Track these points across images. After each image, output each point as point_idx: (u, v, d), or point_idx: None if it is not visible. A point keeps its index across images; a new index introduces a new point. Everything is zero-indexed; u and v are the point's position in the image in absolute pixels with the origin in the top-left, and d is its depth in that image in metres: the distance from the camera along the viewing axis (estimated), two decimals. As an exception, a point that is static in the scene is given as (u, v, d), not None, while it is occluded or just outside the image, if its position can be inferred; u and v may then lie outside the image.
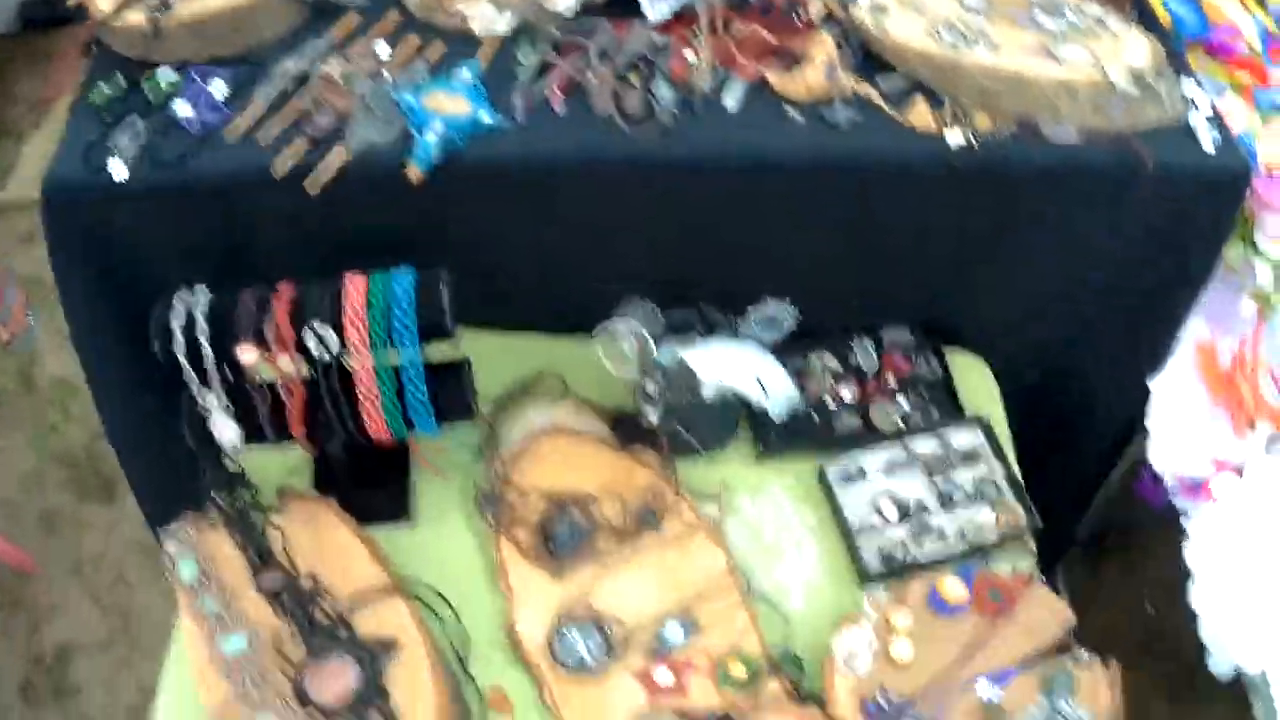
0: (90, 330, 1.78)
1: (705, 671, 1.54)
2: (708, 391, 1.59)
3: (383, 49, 1.70)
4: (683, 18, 1.72)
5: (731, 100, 1.62)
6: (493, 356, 1.75)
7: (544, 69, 1.66)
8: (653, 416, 1.61)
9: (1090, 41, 1.71)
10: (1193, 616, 1.73)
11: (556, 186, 1.61)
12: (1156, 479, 1.76)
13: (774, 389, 1.59)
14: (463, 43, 1.71)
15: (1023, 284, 1.74)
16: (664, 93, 1.60)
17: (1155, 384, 1.78)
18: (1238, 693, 1.76)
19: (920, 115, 1.61)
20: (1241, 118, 1.82)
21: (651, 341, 1.61)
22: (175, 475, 1.75)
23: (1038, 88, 1.62)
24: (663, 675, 1.54)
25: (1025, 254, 1.70)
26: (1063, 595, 2.10)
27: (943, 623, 1.56)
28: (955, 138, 1.59)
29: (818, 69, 1.62)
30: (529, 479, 1.67)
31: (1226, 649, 1.68)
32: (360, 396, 1.58)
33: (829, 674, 1.52)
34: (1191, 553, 1.73)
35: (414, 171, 1.54)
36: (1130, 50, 1.71)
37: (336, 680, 1.54)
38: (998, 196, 1.63)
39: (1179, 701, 1.97)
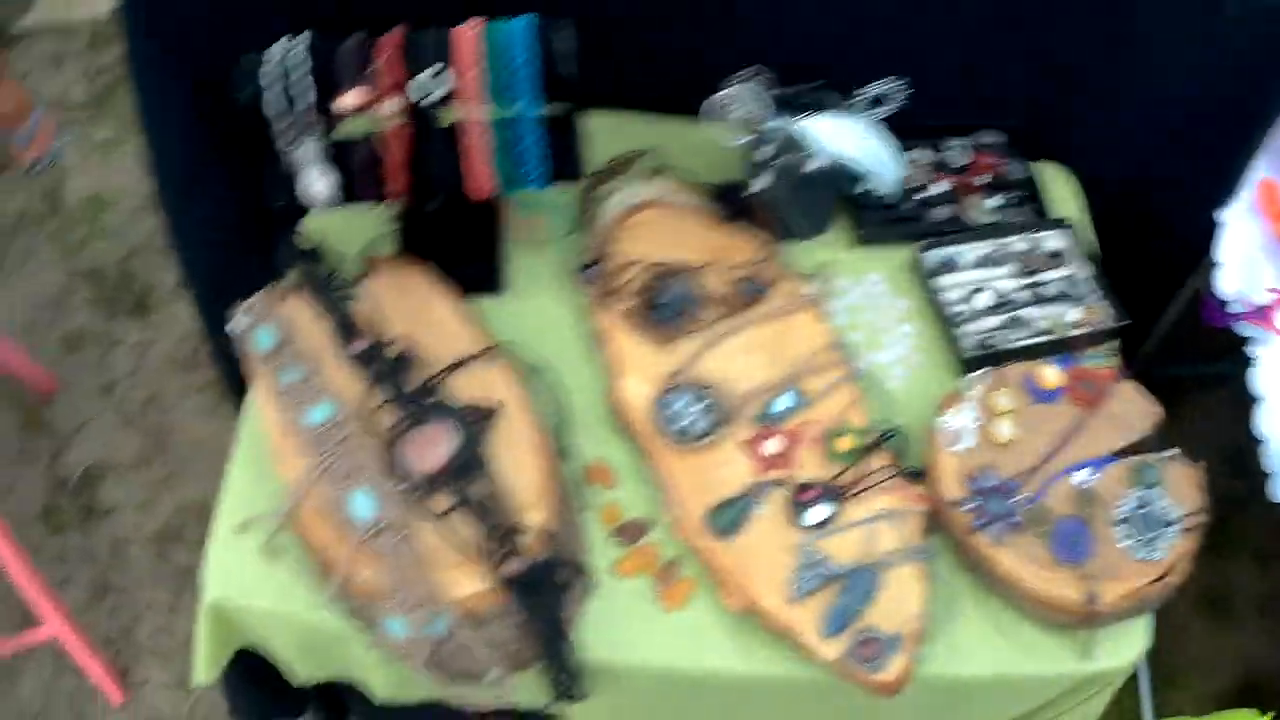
0: (162, 104, 1.66)
1: (813, 443, 1.53)
2: (819, 162, 1.57)
3: None
4: None
5: None
6: (592, 133, 1.65)
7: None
8: (761, 184, 1.58)
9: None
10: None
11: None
12: (1222, 305, 1.82)
13: (884, 162, 1.58)
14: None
15: (1111, 96, 1.76)
16: None
17: (1224, 216, 1.83)
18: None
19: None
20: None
21: (766, 107, 1.57)
22: (238, 279, 1.63)
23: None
24: (771, 445, 1.53)
25: (1128, 62, 1.71)
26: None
27: (1039, 409, 1.58)
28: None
29: None
30: (630, 249, 1.62)
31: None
32: (467, 148, 1.50)
33: (934, 451, 1.53)
34: (1259, 378, 1.80)
35: None
36: None
37: (432, 448, 1.46)
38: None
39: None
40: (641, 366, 1.56)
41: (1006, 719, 1.69)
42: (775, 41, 1.63)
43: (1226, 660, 2.28)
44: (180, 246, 1.84)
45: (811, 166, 1.58)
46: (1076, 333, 1.67)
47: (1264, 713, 1.73)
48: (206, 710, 2.38)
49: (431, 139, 1.50)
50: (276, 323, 1.56)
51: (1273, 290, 1.81)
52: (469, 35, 1.47)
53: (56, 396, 2.82)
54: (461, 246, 1.66)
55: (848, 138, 1.56)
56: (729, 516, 1.48)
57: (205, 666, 1.57)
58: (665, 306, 1.57)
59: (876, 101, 1.60)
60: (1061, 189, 1.84)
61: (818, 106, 1.62)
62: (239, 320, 1.58)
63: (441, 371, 1.52)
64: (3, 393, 2.82)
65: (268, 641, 1.58)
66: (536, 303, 1.64)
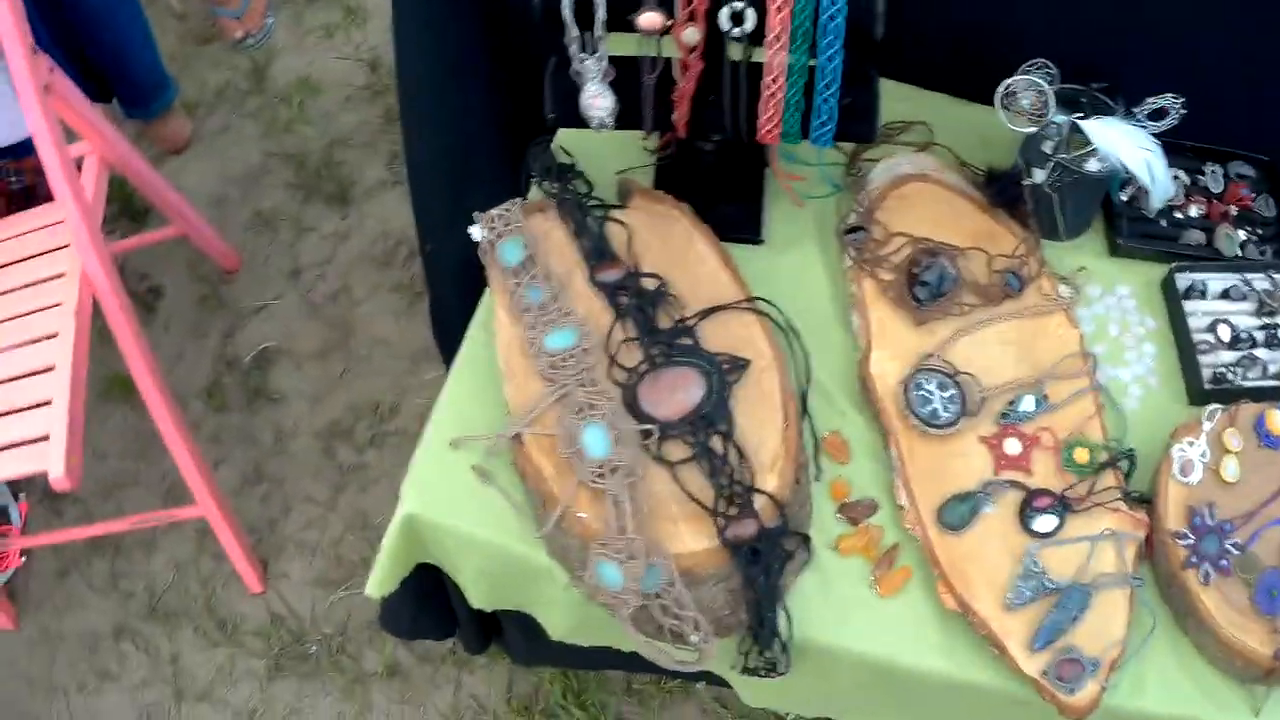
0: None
1: (1050, 450, 1.51)
2: (1093, 164, 1.53)
3: None
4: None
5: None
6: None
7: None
8: (1040, 176, 1.54)
9: None
10: None
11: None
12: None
13: (1158, 175, 1.54)
14: None
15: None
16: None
17: None
18: None
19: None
20: None
21: (1053, 100, 1.52)
22: (476, 185, 1.55)
23: None
24: (1011, 445, 1.50)
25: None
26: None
27: (1265, 454, 1.57)
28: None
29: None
30: (894, 220, 1.58)
31: None
32: (763, 89, 1.43)
33: (1163, 478, 1.52)
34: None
35: None
36: None
37: (677, 393, 1.42)
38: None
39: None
40: (894, 342, 1.52)
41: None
42: (1061, 39, 1.58)
43: None
44: (412, 147, 1.74)
45: (1089, 167, 1.54)
46: (1304, 382, 1.67)
47: None
48: (345, 612, 2.33)
49: (727, 75, 1.43)
50: (526, 237, 1.49)
51: None
52: None
53: (239, 275, 2.72)
54: (724, 190, 1.59)
55: (1127, 145, 1.52)
56: (960, 511, 1.46)
57: (383, 579, 1.53)
58: (926, 285, 1.53)
59: (1157, 114, 1.55)
60: None
61: (1097, 108, 1.58)
62: (483, 230, 1.50)
63: (697, 314, 1.48)
64: (186, 262, 2.72)
65: (456, 564, 1.53)
66: (793, 259, 1.59)
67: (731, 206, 1.60)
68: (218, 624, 2.33)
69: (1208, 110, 1.69)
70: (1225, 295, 1.68)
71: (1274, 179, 1.77)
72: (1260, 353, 1.66)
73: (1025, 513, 1.47)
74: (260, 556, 2.38)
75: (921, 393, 1.49)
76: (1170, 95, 1.55)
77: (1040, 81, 1.53)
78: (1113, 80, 1.61)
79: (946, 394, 1.50)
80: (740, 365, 1.45)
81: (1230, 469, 1.55)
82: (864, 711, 1.60)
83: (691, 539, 1.36)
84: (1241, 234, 1.73)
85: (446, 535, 1.48)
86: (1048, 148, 1.54)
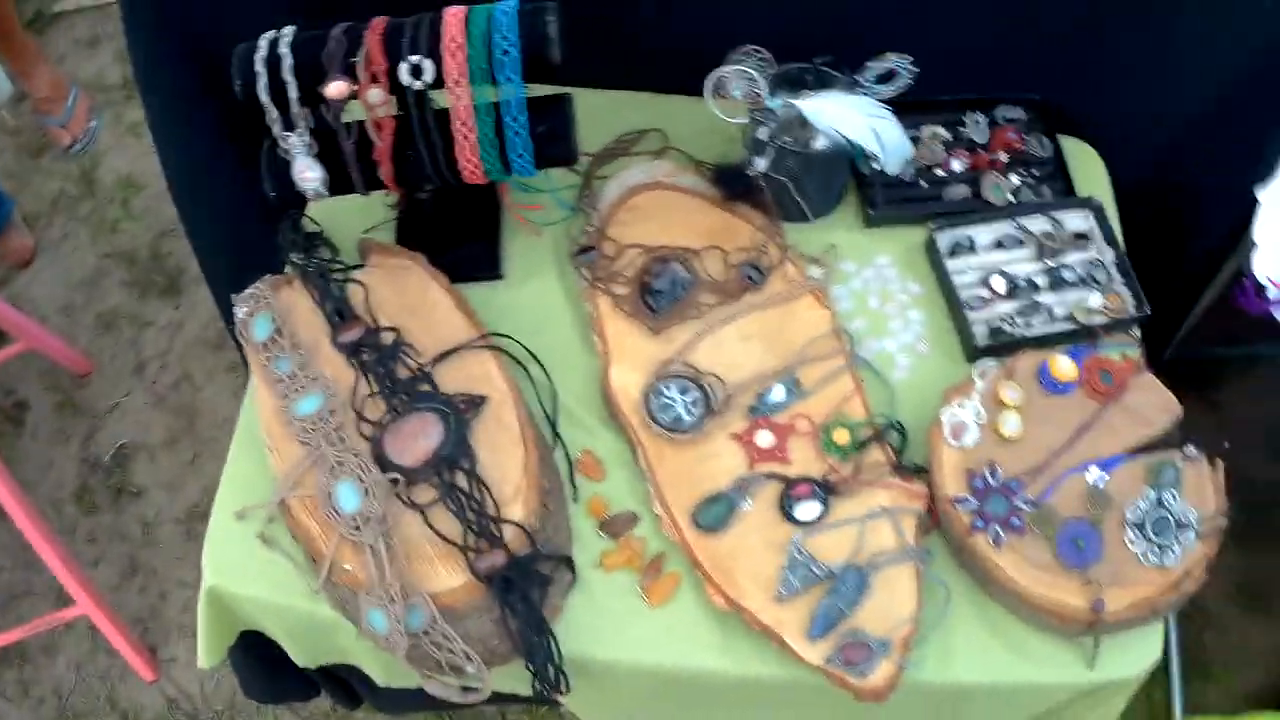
0: (167, 104, 1.67)
1: (807, 436, 1.49)
2: (820, 142, 1.51)
3: None
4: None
5: None
6: (593, 113, 1.62)
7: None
8: (761, 165, 1.52)
9: None
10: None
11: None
12: (1259, 289, 1.71)
13: (888, 141, 1.51)
14: None
15: (1145, 67, 1.65)
16: None
17: (1264, 193, 1.71)
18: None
19: None
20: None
21: (764, 86, 1.51)
22: (252, 262, 1.63)
23: None
24: (764, 438, 1.49)
25: (1154, 31, 1.61)
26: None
27: (1052, 402, 1.51)
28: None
29: None
30: (627, 232, 1.58)
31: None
32: (455, 133, 1.47)
33: (935, 445, 1.47)
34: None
35: None
36: None
37: (419, 439, 1.45)
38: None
39: (1240, 539, 1.95)
40: (633, 354, 1.52)
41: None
42: (779, 16, 1.56)
43: (1264, 655, 2.18)
44: (193, 234, 1.85)
45: (812, 147, 1.52)
46: (1097, 320, 1.59)
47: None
48: (233, 686, 2.42)
49: (418, 126, 1.47)
50: (273, 311, 1.56)
51: (1325, 275, 1.71)
52: (453, 20, 1.43)
53: (91, 378, 2.89)
54: (459, 232, 1.63)
55: (848, 117, 1.49)
56: (715, 512, 1.45)
57: (208, 649, 1.59)
58: (660, 293, 1.53)
59: (884, 78, 1.52)
60: (1086, 167, 1.74)
61: (823, 84, 1.55)
62: (240, 307, 1.58)
63: (430, 361, 1.51)
64: (40, 373, 2.90)
65: (266, 627, 1.59)
66: (534, 288, 1.61)
67: (467, 247, 1.63)
68: (121, 718, 2.46)
69: (969, 59, 1.66)
70: (999, 246, 1.63)
71: (1047, 116, 1.71)
72: (1045, 297, 1.60)
73: (785, 503, 1.46)
74: (149, 644, 2.50)
75: (663, 400, 1.49)
76: (895, 55, 1.52)
77: (749, 70, 1.52)
78: (855, 50, 1.58)
79: (689, 398, 1.49)
80: (477, 403, 1.47)
81: (1010, 424, 1.50)
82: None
83: (447, 576, 1.39)
84: (1015, 179, 1.67)
85: (246, 602, 1.54)
86: (764, 134, 1.52)
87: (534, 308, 1.59)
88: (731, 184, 1.57)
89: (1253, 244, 1.73)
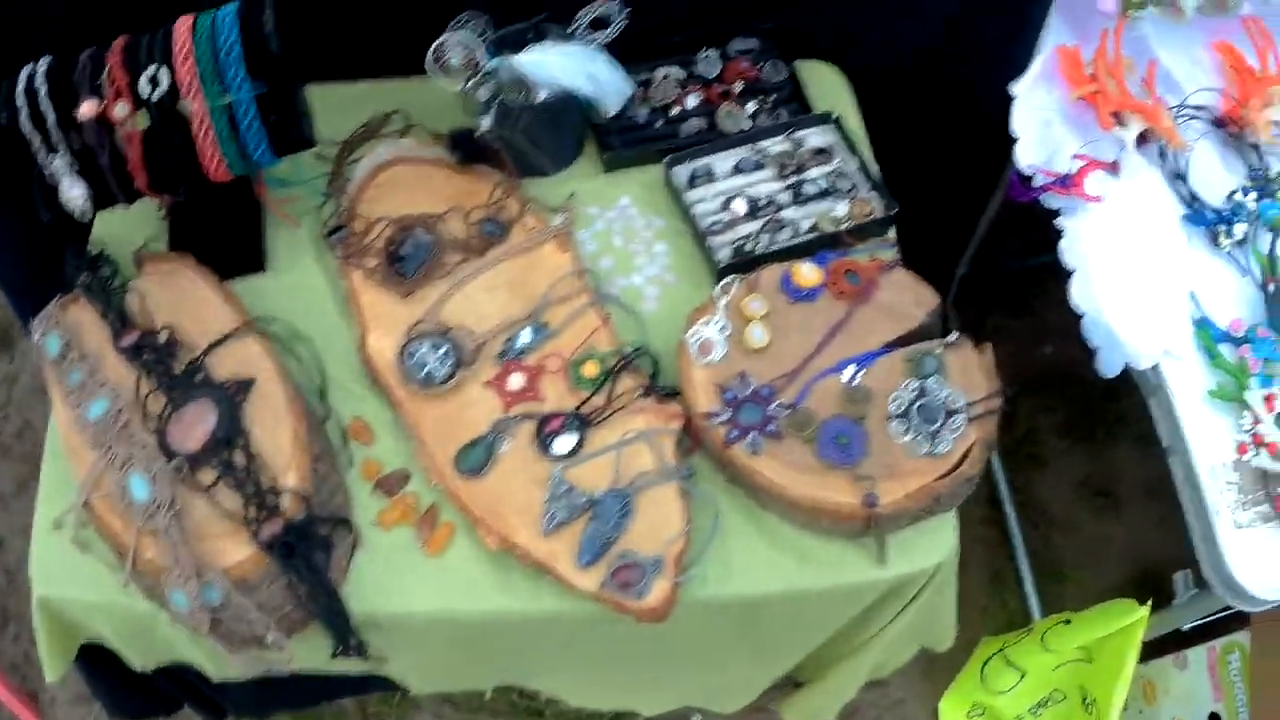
0: None
1: (558, 373, 1.52)
2: (541, 94, 1.56)
3: None
4: None
5: None
6: (343, 106, 1.72)
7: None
8: (486, 124, 1.58)
9: None
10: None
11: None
12: (1025, 179, 1.72)
13: (605, 81, 1.55)
14: None
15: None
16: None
17: (1018, 88, 1.72)
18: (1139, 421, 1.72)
19: None
20: None
21: (481, 49, 1.57)
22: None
23: None
24: (515, 380, 1.52)
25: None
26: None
27: (799, 309, 1.53)
28: None
29: None
30: (374, 208, 1.64)
31: (1114, 344, 1.64)
32: (195, 137, 1.53)
33: (684, 365, 1.50)
34: (1069, 250, 1.69)
35: None
36: None
37: (197, 425, 1.50)
38: None
39: (1077, 438, 1.93)
40: (387, 320, 1.57)
41: (826, 633, 1.65)
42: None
43: (1114, 549, 2.16)
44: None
45: (532, 100, 1.57)
46: (845, 227, 1.61)
47: (1144, 602, 1.63)
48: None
49: (163, 133, 1.54)
50: (61, 328, 1.64)
51: (1078, 157, 1.71)
52: (182, 28, 1.52)
53: None
54: (223, 230, 1.70)
55: (562, 65, 1.54)
56: (476, 456, 1.48)
57: (50, 663, 1.64)
58: (407, 259, 1.58)
59: (597, 25, 1.57)
60: (828, 86, 1.77)
61: (543, 35, 1.61)
62: (34, 332, 1.66)
63: (202, 352, 1.57)
64: None
65: (99, 632, 1.63)
66: (296, 275, 1.67)
67: (231, 244, 1.69)
68: (19, 766, 2.52)
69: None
70: (739, 171, 1.66)
71: (781, 42, 1.74)
72: (789, 213, 1.63)
73: (542, 439, 1.49)
74: (29, 690, 2.53)
75: (416, 359, 1.53)
76: (603, 1, 1.58)
77: (463, 38, 1.58)
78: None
79: (440, 352, 1.53)
80: (246, 385, 1.53)
81: (757, 334, 1.52)
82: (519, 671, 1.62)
83: (235, 550, 1.43)
84: (752, 105, 1.71)
85: (75, 607, 1.58)
86: (484, 94, 1.58)
87: (299, 292, 1.64)
88: (466, 148, 1.62)
89: (1014, 137, 1.75)
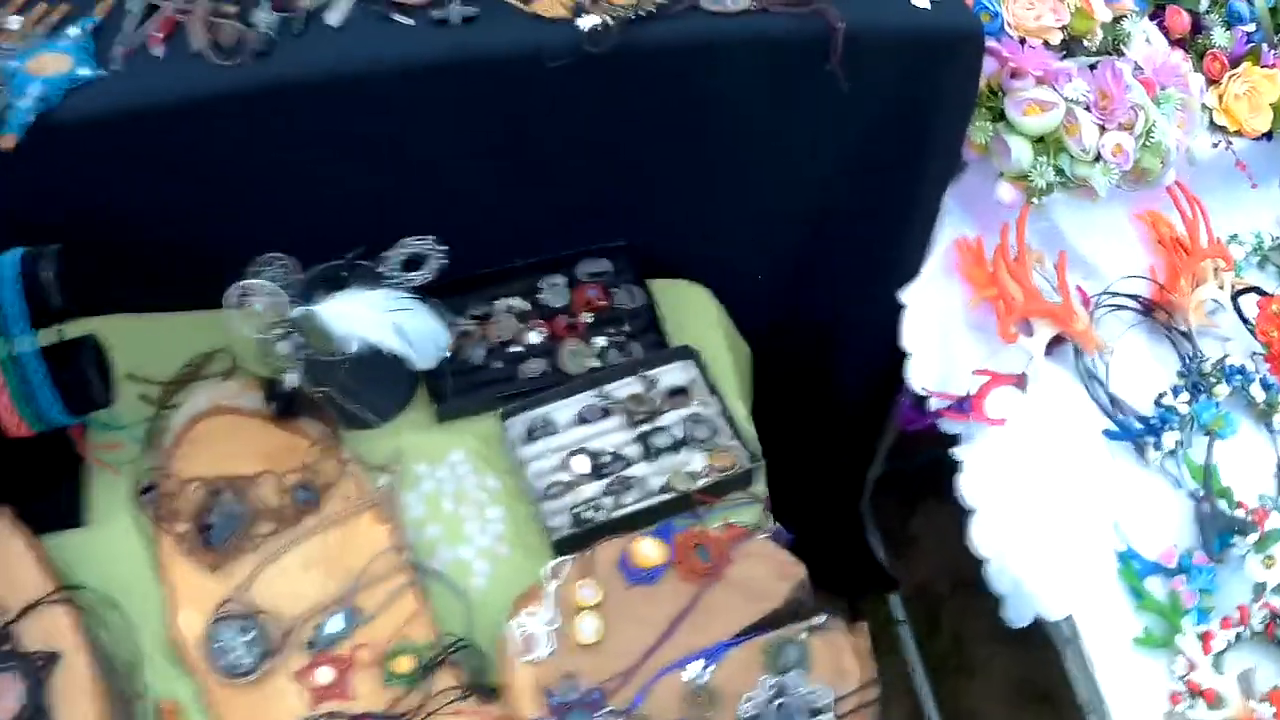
0: None
1: (370, 666, 1.38)
2: (348, 346, 1.40)
3: (13, 21, 1.49)
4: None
5: (336, 15, 1.40)
6: (159, 340, 1.58)
7: (149, 13, 1.44)
8: (292, 379, 1.43)
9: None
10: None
11: (158, 134, 1.40)
12: (918, 401, 1.52)
13: (416, 333, 1.40)
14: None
15: (722, 188, 1.50)
16: (262, 17, 1.39)
17: (908, 295, 1.53)
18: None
19: (548, 3, 1.36)
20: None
21: (284, 297, 1.42)
22: None
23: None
24: (323, 674, 1.38)
25: (712, 153, 1.46)
26: (873, 535, 1.89)
27: (638, 593, 1.37)
28: (588, 21, 1.33)
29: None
30: (188, 466, 1.50)
31: (1022, 594, 1.46)
32: None
33: (505, 663, 1.35)
34: (967, 485, 1.49)
35: (8, 140, 1.35)
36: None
37: (3, 698, 1.42)
38: (655, 86, 1.39)
39: (1009, 639, 1.75)
40: (195, 595, 1.43)
41: None
42: (295, 212, 1.47)
43: None
44: None
45: (342, 353, 1.41)
46: (702, 484, 1.43)
47: None
48: None
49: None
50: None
51: (980, 372, 1.49)
52: None
53: None
54: (42, 480, 1.56)
55: (366, 316, 1.38)
56: (277, 763, 1.37)
57: None
58: (216, 528, 1.45)
59: (411, 265, 1.41)
60: (690, 306, 1.58)
61: (361, 278, 1.45)
62: None
63: (11, 619, 1.47)
64: None
65: None
66: (116, 531, 1.52)
67: (49, 497, 1.55)
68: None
69: (546, 217, 1.52)
70: (583, 420, 1.49)
71: (635, 262, 1.55)
72: (638, 469, 1.45)
73: (349, 744, 1.36)
74: None
75: (220, 644, 1.40)
76: (416, 239, 1.41)
77: (267, 282, 1.42)
78: (384, 234, 1.46)
79: (248, 637, 1.39)
80: (52, 659, 1.43)
81: (587, 628, 1.36)
82: None
83: None
84: (601, 340, 1.52)
85: None
86: (288, 347, 1.42)
87: (117, 551, 1.50)
88: (282, 400, 1.48)
89: (905, 353, 1.54)
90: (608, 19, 1.33)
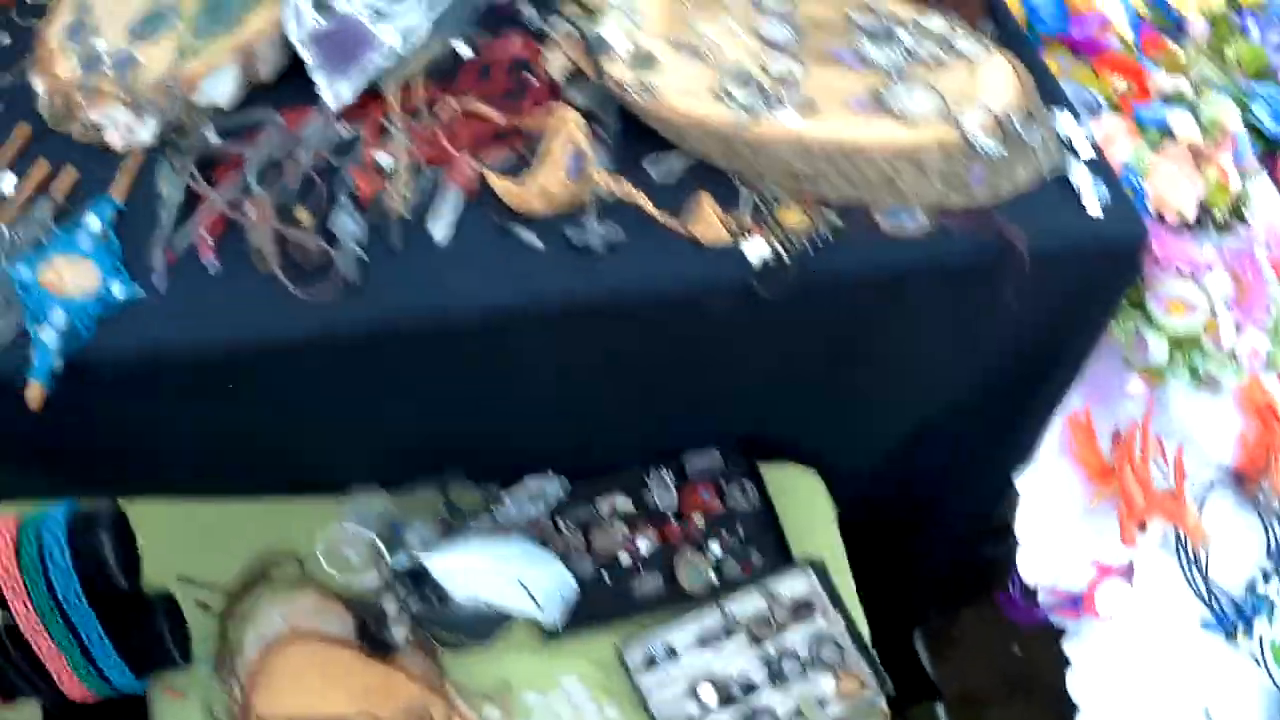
0: None
1: None
2: (466, 607, 1.27)
3: (8, 181, 1.26)
4: (378, 95, 1.27)
5: (441, 227, 1.20)
6: (219, 530, 1.41)
7: (189, 203, 1.21)
8: (398, 635, 1.28)
9: (935, 76, 1.30)
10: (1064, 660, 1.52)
11: (219, 371, 1.19)
12: (1028, 592, 1.49)
13: (542, 593, 1.27)
14: (101, 161, 1.26)
15: (861, 394, 1.40)
16: (346, 225, 1.17)
17: (1022, 482, 1.47)
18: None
19: (707, 223, 1.20)
20: (1124, 145, 1.43)
21: (384, 548, 1.27)
22: None
23: (871, 163, 1.22)
24: None
25: (863, 368, 1.35)
26: (919, 640, 1.89)
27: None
28: (757, 249, 1.19)
29: (558, 165, 1.20)
30: (272, 704, 1.33)
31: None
32: (42, 659, 1.23)
33: None
34: (1076, 684, 1.48)
35: (35, 391, 1.12)
36: (989, 83, 1.31)
37: None
38: (822, 316, 1.27)
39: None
40: None
41: None
42: (391, 440, 1.31)
43: None
44: None
45: (451, 610, 1.27)
46: (833, 714, 1.36)
47: None
48: None
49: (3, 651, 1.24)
50: None
51: (1099, 566, 1.48)
52: (3, 538, 1.20)
53: None
54: (108, 711, 1.38)
55: (487, 577, 1.25)
56: None
57: None
58: (313, 785, 1.32)
59: (535, 499, 1.27)
60: (803, 499, 1.48)
61: (459, 511, 1.31)
62: None
63: None
64: None
65: None
66: None
67: None
68: None
69: (653, 423, 1.41)
70: (704, 644, 1.38)
71: (746, 451, 1.44)
72: (767, 698, 1.37)
73: None
74: None
75: None
76: (534, 478, 1.28)
77: (358, 529, 1.26)
78: (492, 461, 1.34)
79: None
80: None
81: None
82: None
83: None
84: (716, 548, 1.42)
85: None
86: (392, 606, 1.27)
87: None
88: (376, 638, 1.33)
89: (1015, 541, 1.50)
90: (780, 248, 1.18)
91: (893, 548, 1.59)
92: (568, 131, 1.22)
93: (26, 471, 1.29)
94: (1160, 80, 1.56)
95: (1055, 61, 1.55)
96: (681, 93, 1.24)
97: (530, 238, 1.19)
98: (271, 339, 1.16)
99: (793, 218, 1.22)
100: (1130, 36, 1.62)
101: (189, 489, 1.38)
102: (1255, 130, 1.62)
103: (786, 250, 1.19)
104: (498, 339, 1.21)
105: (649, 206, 1.21)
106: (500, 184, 1.22)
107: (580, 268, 1.18)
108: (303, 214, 1.18)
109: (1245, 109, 1.61)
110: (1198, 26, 1.67)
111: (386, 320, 1.16)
